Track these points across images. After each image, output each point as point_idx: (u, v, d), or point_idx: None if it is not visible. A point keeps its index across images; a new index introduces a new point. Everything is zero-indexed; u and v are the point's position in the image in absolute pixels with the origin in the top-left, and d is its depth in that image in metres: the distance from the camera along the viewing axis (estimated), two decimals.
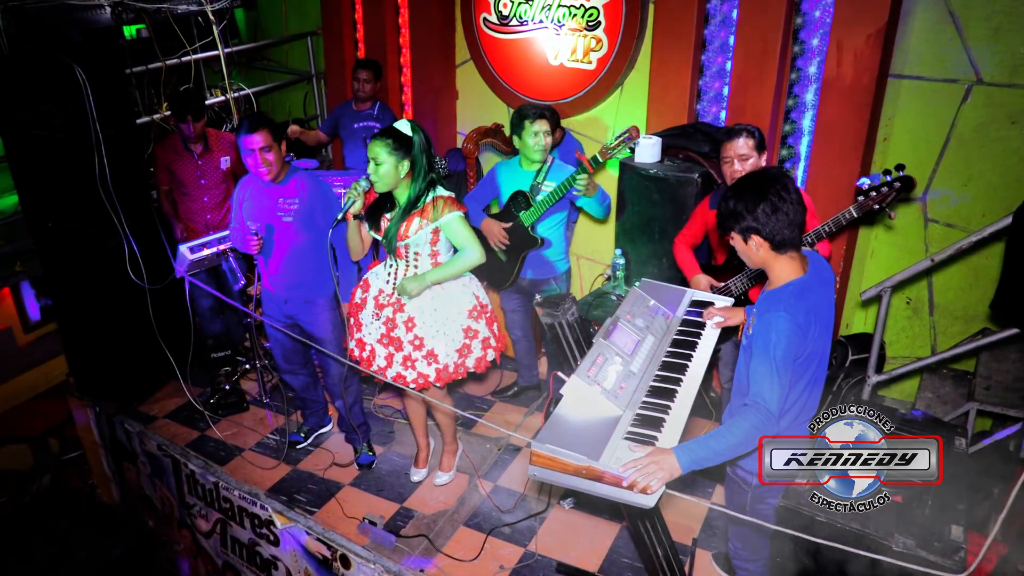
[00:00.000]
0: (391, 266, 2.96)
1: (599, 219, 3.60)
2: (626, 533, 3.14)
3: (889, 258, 3.85)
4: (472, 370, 3.00)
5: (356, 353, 3.07)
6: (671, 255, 3.31)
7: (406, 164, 2.75)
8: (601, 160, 3.26)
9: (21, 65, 3.51)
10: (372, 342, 3.00)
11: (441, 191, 2.84)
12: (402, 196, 2.83)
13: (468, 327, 2.95)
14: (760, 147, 2.84)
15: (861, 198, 2.71)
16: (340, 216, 2.79)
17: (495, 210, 3.65)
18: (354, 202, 2.78)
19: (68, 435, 5.34)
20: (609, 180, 4.27)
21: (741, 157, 2.82)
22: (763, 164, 2.87)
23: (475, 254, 2.85)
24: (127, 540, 4.53)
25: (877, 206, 2.69)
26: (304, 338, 3.36)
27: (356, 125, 4.66)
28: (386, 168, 2.73)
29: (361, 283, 3.08)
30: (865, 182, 2.70)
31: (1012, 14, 3.24)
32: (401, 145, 2.73)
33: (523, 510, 3.32)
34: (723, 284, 3.05)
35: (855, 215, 2.71)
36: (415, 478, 3.52)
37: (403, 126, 2.77)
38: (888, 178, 2.66)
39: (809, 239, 2.77)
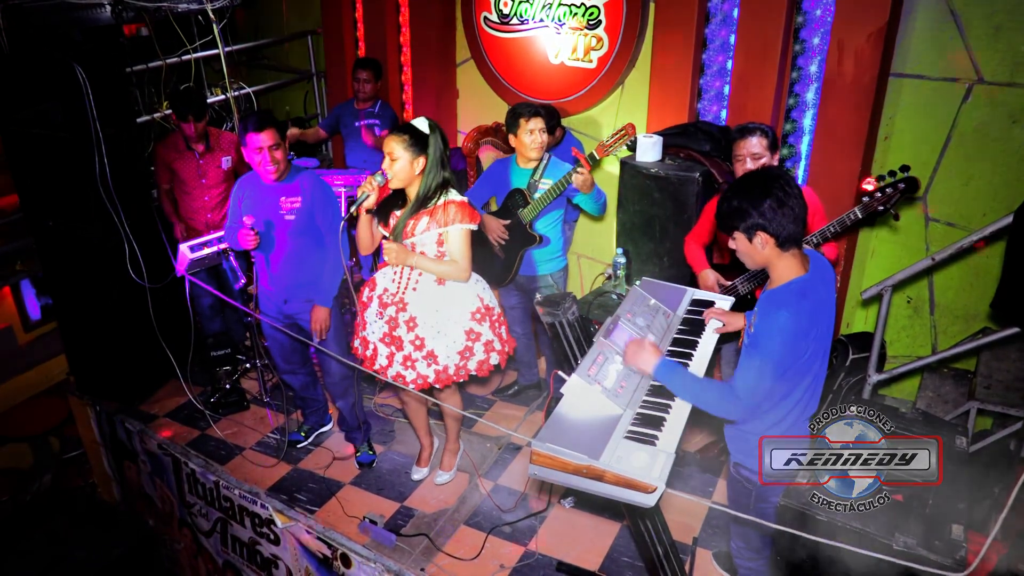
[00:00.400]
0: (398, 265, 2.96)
1: (595, 216, 3.61)
2: (626, 532, 3.14)
3: (890, 257, 3.85)
4: (473, 373, 2.99)
5: (360, 351, 3.07)
6: (672, 254, 3.31)
7: (421, 161, 2.75)
8: (598, 157, 3.26)
9: (21, 64, 3.50)
10: (375, 341, 2.99)
11: (454, 195, 2.82)
12: (413, 193, 2.83)
13: (471, 329, 2.94)
14: (773, 147, 2.83)
15: (866, 199, 2.70)
16: (353, 210, 2.78)
17: (493, 208, 3.66)
18: (367, 196, 2.77)
19: (68, 434, 5.34)
20: (609, 178, 4.27)
21: (754, 156, 2.81)
22: (775, 164, 2.87)
23: (460, 271, 2.86)
24: (127, 539, 4.53)
25: (882, 207, 2.68)
26: (304, 337, 3.36)
27: (357, 123, 4.66)
28: (401, 164, 2.73)
29: (368, 282, 3.08)
30: (870, 183, 2.70)
31: (1013, 13, 3.24)
32: (417, 141, 2.73)
33: (523, 509, 3.32)
34: (730, 283, 3.04)
35: (859, 216, 2.71)
36: (416, 477, 3.52)
37: (420, 123, 2.78)
38: (893, 179, 2.66)
39: (815, 240, 2.76)
